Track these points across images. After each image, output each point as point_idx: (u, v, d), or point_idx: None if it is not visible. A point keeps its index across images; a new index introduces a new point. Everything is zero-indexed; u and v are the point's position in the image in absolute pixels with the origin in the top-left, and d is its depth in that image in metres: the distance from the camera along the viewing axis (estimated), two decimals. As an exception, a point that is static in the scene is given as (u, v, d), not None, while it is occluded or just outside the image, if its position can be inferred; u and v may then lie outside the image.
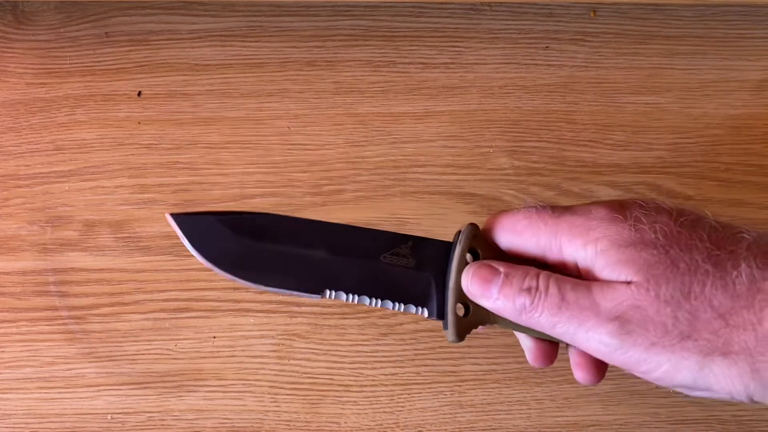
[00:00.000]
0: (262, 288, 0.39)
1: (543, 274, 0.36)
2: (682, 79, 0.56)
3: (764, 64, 0.57)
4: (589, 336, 0.34)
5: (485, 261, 0.38)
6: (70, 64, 0.55)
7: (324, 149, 0.54)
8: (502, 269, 0.37)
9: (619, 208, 0.36)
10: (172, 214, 0.39)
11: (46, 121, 0.55)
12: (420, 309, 0.39)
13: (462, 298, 0.38)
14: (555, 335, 0.36)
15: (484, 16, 0.57)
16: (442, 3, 0.56)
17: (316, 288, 0.39)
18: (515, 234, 0.38)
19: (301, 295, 0.39)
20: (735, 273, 0.33)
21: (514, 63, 0.56)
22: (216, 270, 0.39)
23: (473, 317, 0.38)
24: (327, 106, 0.55)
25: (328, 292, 0.39)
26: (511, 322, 0.37)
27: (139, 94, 0.55)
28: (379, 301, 0.39)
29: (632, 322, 0.33)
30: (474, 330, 0.38)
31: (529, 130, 0.55)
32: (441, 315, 0.38)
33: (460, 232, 0.39)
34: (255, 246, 0.38)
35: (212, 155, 0.54)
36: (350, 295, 0.39)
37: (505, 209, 0.38)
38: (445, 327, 0.38)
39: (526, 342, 0.40)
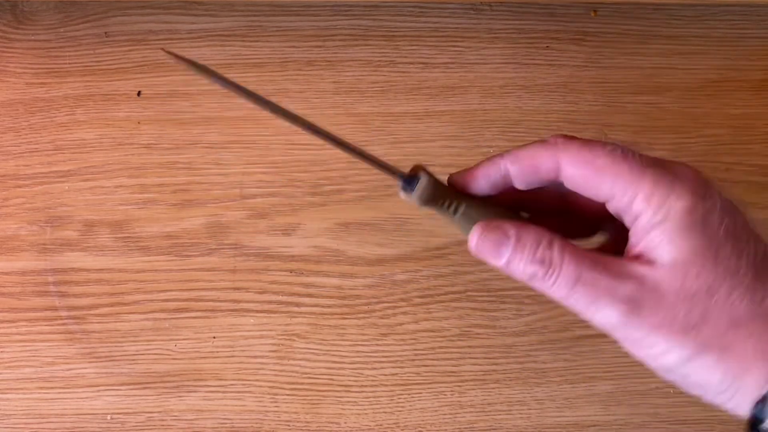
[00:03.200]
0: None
1: (557, 245, 0.35)
2: (683, 79, 0.56)
3: (765, 63, 0.57)
4: (597, 313, 0.34)
5: (494, 222, 0.36)
6: (69, 63, 0.55)
7: (324, 149, 0.54)
8: (512, 232, 0.35)
9: (705, 183, 0.35)
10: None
11: (45, 121, 0.54)
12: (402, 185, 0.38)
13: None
14: (562, 304, 0.35)
15: (485, 15, 0.57)
16: (442, 3, 0.56)
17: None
18: (593, 170, 0.35)
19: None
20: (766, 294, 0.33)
21: (515, 63, 0.56)
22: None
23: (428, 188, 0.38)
24: (327, 105, 0.55)
25: None
26: (451, 218, 0.38)
27: (139, 93, 0.55)
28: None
29: (645, 306, 0.33)
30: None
31: (529, 130, 0.55)
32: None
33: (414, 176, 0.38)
34: None
35: (212, 155, 0.54)
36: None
37: (574, 136, 0.36)
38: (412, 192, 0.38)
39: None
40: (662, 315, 0.33)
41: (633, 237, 0.35)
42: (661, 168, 0.35)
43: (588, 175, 0.35)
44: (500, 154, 0.38)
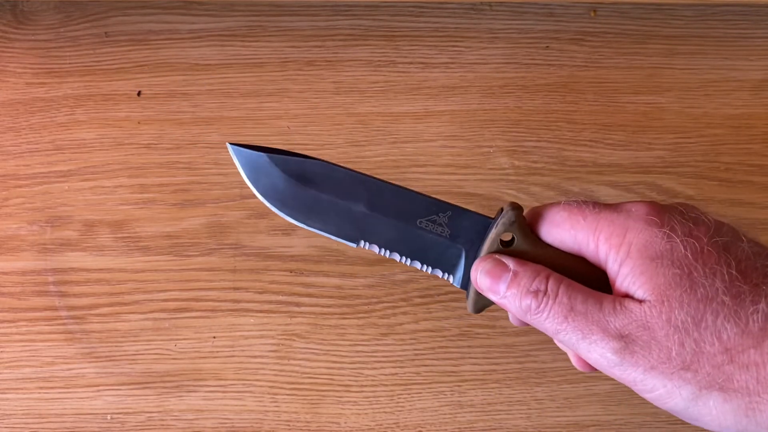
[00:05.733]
0: (305, 227, 0.41)
1: (553, 278, 0.36)
2: (683, 79, 0.56)
3: (764, 63, 0.57)
4: (591, 348, 0.34)
5: (496, 256, 0.38)
6: (69, 63, 0.55)
7: (324, 149, 0.54)
8: (511, 266, 0.37)
9: (659, 212, 0.35)
10: (232, 144, 0.41)
11: (45, 121, 0.54)
12: (447, 275, 0.40)
13: None
14: (557, 340, 0.36)
15: (485, 15, 0.57)
16: (442, 2, 0.56)
17: (352, 237, 0.40)
18: (554, 225, 0.37)
19: (339, 240, 0.40)
20: (752, 309, 0.32)
21: (515, 63, 0.56)
22: (266, 202, 0.41)
23: None
24: (327, 105, 0.55)
25: (363, 242, 0.40)
26: None
27: (139, 93, 0.55)
28: (409, 260, 0.40)
29: (637, 343, 0.33)
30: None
31: (529, 130, 0.55)
32: (465, 286, 0.40)
33: (502, 210, 0.39)
34: (301, 188, 0.40)
35: (212, 155, 0.54)
36: (383, 249, 0.40)
37: (548, 202, 0.39)
38: (467, 297, 0.40)
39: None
40: (655, 354, 0.33)
41: (611, 278, 0.36)
42: (614, 210, 0.36)
43: (553, 231, 0.37)
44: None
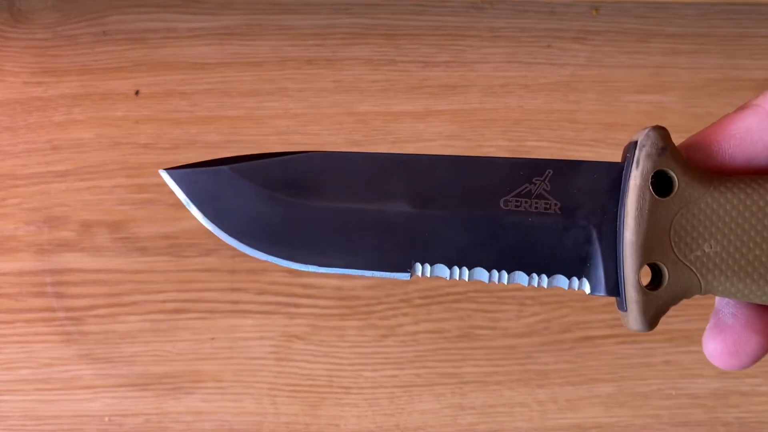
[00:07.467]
0: (316, 269, 0.26)
1: None
2: (685, 78, 0.56)
3: (767, 63, 0.57)
4: None
5: None
6: (67, 62, 0.55)
7: (323, 148, 0.54)
8: None
9: None
10: (168, 170, 0.27)
11: (43, 121, 0.54)
12: (576, 281, 0.25)
13: (650, 256, 0.23)
14: None
15: (486, 14, 0.56)
16: (443, 0, 0.56)
17: (399, 262, 0.25)
18: None
19: (380, 275, 0.26)
20: None
21: (516, 61, 0.56)
22: (242, 247, 0.28)
23: (670, 287, 0.24)
24: (326, 104, 0.55)
25: (419, 266, 0.25)
26: (736, 283, 0.24)
27: (137, 93, 0.55)
28: (506, 274, 0.25)
29: None
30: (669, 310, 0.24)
31: (530, 130, 0.55)
32: (614, 288, 0.24)
33: (635, 144, 0.25)
34: (295, 205, 0.26)
35: (210, 155, 0.54)
36: (456, 269, 0.25)
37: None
38: (623, 308, 0.24)
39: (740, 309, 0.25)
40: None
41: None
42: None
43: None
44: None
